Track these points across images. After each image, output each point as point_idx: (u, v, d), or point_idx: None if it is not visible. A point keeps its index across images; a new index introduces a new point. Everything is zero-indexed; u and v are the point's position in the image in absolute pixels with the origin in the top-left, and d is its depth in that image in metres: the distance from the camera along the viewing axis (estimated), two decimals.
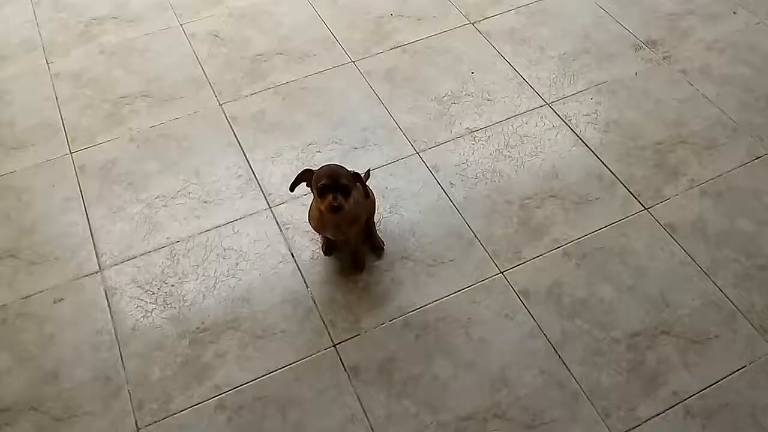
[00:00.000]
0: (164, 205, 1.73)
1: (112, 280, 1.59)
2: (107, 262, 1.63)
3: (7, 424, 1.36)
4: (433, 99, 2.00)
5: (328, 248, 1.65)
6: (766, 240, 1.65)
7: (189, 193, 1.76)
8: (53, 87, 2.02)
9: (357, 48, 2.15)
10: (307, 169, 1.43)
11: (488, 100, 2.00)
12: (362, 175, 1.52)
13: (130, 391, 1.42)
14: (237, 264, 1.62)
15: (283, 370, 1.45)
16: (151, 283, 1.59)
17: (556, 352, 1.46)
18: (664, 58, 2.11)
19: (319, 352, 1.48)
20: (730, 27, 2.20)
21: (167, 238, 1.67)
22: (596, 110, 1.96)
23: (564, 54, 2.13)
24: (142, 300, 1.56)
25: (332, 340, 1.50)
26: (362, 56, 2.13)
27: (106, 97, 1.99)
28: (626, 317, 1.52)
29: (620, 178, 1.78)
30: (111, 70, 2.07)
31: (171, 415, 1.38)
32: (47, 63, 2.10)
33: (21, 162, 1.84)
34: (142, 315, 1.53)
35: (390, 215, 1.72)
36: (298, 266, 1.62)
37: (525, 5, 2.28)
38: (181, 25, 2.22)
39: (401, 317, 1.53)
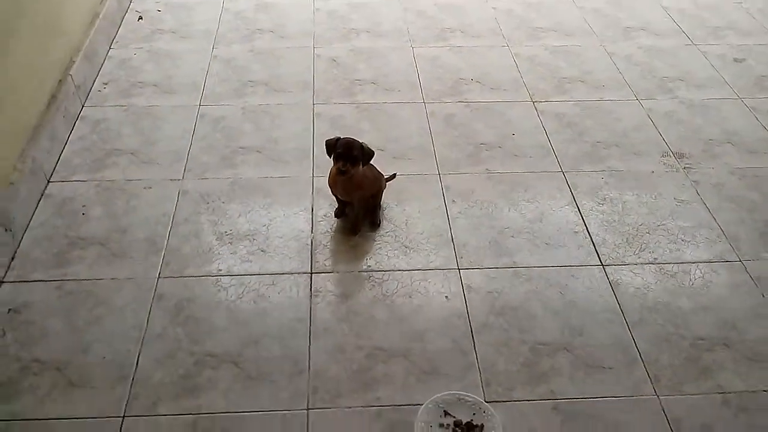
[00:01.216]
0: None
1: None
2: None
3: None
4: (471, 143, 2.46)
5: (339, 212, 2.14)
6: None
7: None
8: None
9: (432, 94, 2.69)
10: (333, 138, 1.96)
11: (515, 155, 2.41)
12: (388, 176, 2.11)
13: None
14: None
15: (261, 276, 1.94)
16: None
17: None
18: (684, 167, 2.39)
19: (295, 273, 1.94)
20: (762, 162, 2.43)
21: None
22: (605, 182, 2.30)
23: (597, 142, 2.49)
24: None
25: (311, 269, 1.96)
26: (432, 101, 2.65)
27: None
28: None
29: None
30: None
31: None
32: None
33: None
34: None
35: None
36: (312, 218, 2.12)
37: (585, 100, 2.69)
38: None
39: (369, 272, 1.97)
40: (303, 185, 2.24)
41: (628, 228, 2.15)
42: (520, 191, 2.26)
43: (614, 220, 2.17)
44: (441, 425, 1.60)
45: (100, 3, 2.83)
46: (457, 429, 1.59)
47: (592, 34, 3.11)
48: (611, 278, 1.98)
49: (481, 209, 2.19)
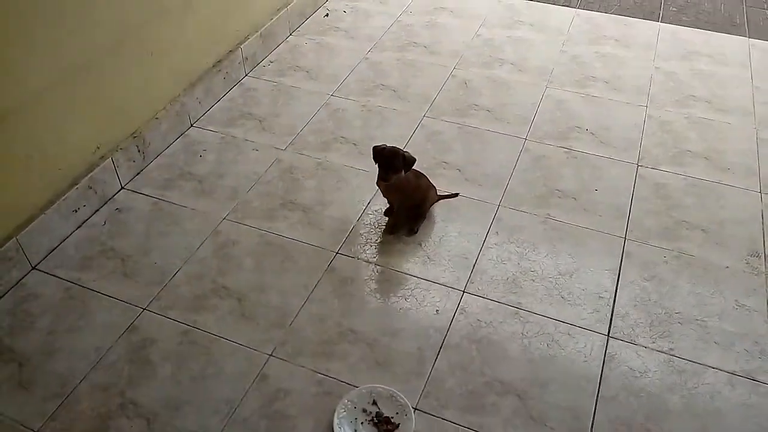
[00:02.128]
0: None
1: None
2: None
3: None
4: (547, 186, 2.48)
5: (387, 211, 2.35)
6: None
7: None
8: None
9: (537, 132, 2.74)
10: (380, 145, 2.13)
11: (585, 210, 2.38)
12: (448, 193, 2.32)
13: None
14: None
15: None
16: None
17: None
18: (765, 271, 2.16)
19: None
20: None
21: None
22: (666, 261, 2.18)
23: (683, 221, 2.34)
24: None
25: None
26: (534, 139, 2.71)
27: None
28: None
29: None
30: None
31: None
32: None
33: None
34: None
35: None
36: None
37: (698, 178, 2.51)
38: None
39: (384, 269, 2.16)
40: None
41: (660, 311, 2.04)
42: (567, 243, 2.25)
43: (650, 300, 2.07)
44: (364, 410, 1.75)
45: None
46: (375, 419, 1.73)
47: (751, 115, 2.85)
48: (609, 351, 1.92)
49: (518, 247, 2.24)
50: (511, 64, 3.16)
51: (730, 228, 2.32)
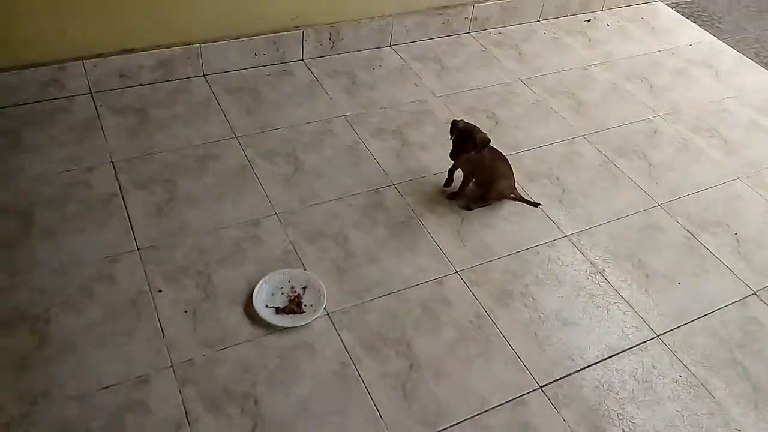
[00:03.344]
0: None
1: None
2: None
3: None
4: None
5: (447, 182, 2.37)
6: None
7: None
8: None
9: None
10: (459, 120, 2.15)
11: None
12: (531, 201, 2.31)
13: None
14: None
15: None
16: None
17: None
18: None
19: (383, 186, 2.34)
20: None
21: None
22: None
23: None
24: None
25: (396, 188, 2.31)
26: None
27: None
28: None
29: None
30: None
31: None
32: None
33: None
34: None
35: None
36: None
37: None
38: None
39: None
40: None
41: None
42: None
43: None
44: (292, 287, 1.95)
45: None
46: (291, 296, 1.92)
47: None
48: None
49: (561, 270, 2.12)
50: None
51: None
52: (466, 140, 2.10)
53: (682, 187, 2.53)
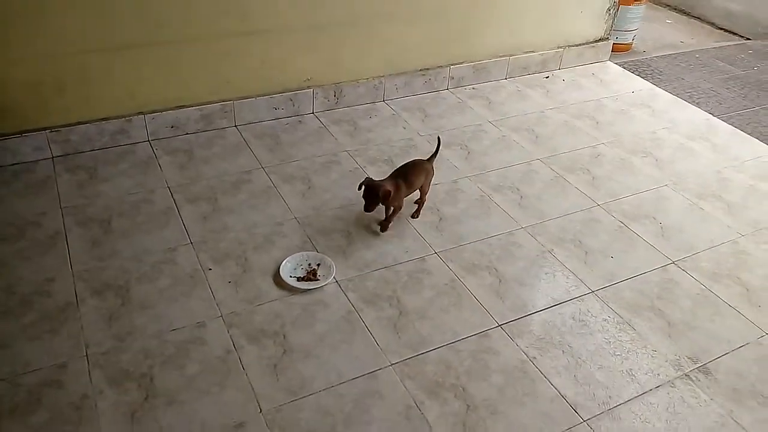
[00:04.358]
0: None
1: None
2: None
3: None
4: None
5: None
6: None
7: None
8: None
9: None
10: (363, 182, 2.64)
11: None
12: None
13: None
14: None
15: None
16: None
17: None
18: None
19: None
20: None
21: None
22: None
23: None
24: None
25: None
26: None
27: None
28: None
29: None
30: None
31: None
32: None
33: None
34: None
35: None
36: None
37: None
38: None
39: None
40: None
41: None
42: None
43: None
44: (309, 264, 2.56)
45: None
46: (308, 269, 2.53)
47: None
48: None
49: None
50: None
51: None
52: (373, 195, 2.59)
53: (618, 192, 3.16)
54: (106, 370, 2.08)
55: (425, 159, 2.85)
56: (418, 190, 2.81)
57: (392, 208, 2.71)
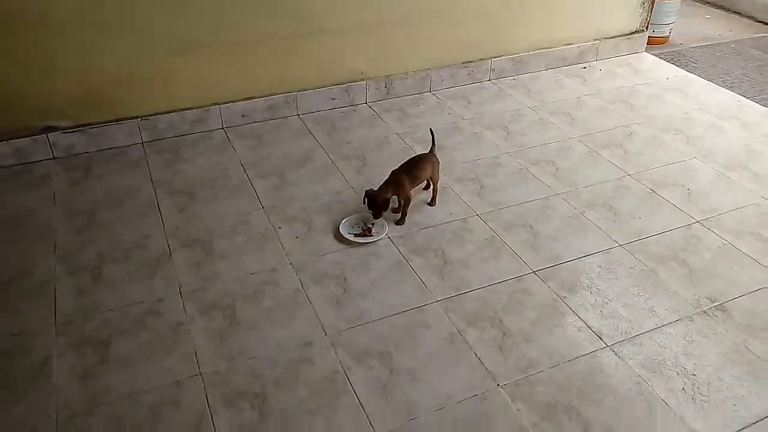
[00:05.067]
0: None
1: None
2: None
3: None
4: None
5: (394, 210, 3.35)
6: None
7: None
8: None
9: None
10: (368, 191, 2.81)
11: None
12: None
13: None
14: None
15: None
16: None
17: None
18: None
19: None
20: None
21: None
22: None
23: None
24: None
25: None
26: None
27: None
28: None
29: None
30: None
31: None
32: None
33: None
34: None
35: None
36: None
37: None
38: None
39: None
40: None
41: None
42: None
43: None
44: (365, 222, 2.92)
45: None
46: (364, 226, 2.89)
47: None
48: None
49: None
50: None
51: None
52: (375, 204, 2.78)
53: (649, 164, 3.41)
54: (197, 303, 2.48)
55: (427, 152, 3.06)
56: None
57: (402, 202, 2.96)
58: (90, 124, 3.42)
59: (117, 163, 3.40)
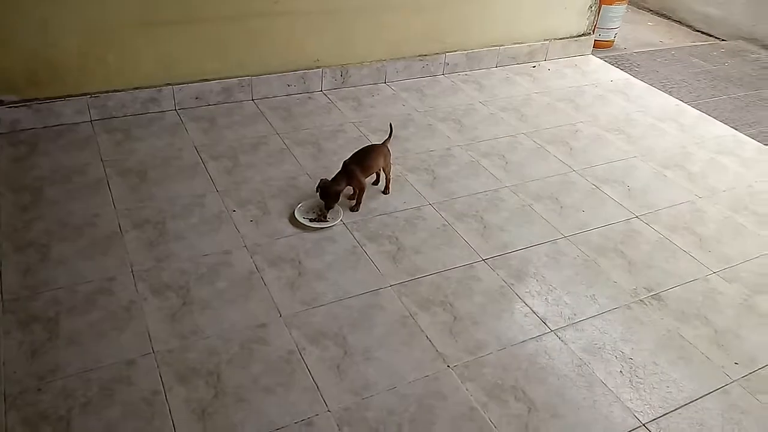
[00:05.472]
0: None
1: None
2: None
3: None
4: None
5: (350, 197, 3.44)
6: None
7: None
8: None
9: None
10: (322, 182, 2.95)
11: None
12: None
13: None
14: None
15: None
16: None
17: None
18: None
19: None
20: None
21: None
22: None
23: None
24: None
25: None
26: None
27: None
28: None
29: None
30: None
31: None
32: None
33: None
34: None
35: None
36: None
37: None
38: None
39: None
40: None
41: None
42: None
43: None
44: (320, 209, 2.95)
45: None
46: (319, 212, 2.92)
47: None
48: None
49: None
50: None
51: None
52: (327, 195, 2.83)
53: (593, 161, 3.56)
54: (149, 283, 2.46)
55: (380, 143, 3.10)
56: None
57: (356, 191, 2.99)
58: (37, 99, 3.32)
59: (64, 140, 3.31)
